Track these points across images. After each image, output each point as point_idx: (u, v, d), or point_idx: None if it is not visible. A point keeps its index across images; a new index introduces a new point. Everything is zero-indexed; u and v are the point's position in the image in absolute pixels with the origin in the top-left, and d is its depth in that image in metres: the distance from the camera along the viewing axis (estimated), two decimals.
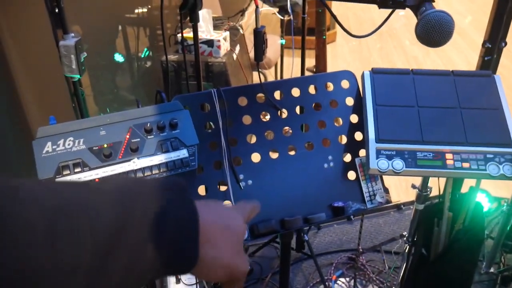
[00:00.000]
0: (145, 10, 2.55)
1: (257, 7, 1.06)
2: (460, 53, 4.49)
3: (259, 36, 1.03)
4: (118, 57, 2.38)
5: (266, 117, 1.17)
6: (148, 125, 0.88)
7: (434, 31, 0.71)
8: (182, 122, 0.91)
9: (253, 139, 1.15)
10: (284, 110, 1.18)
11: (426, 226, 1.52)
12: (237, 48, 2.71)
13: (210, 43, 2.41)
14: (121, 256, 0.37)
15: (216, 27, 2.63)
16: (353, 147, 1.21)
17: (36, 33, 1.57)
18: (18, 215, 0.32)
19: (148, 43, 2.61)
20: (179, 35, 2.45)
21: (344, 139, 1.21)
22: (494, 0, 1.76)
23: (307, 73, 2.54)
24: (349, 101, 1.23)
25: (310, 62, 2.91)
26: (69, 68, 1.44)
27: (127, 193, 0.41)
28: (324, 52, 2.67)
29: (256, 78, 3.64)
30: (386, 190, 1.21)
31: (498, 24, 1.81)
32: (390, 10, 0.85)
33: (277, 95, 1.18)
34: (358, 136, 1.22)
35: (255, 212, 0.59)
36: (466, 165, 1.11)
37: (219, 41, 2.39)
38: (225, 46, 2.47)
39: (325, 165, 1.18)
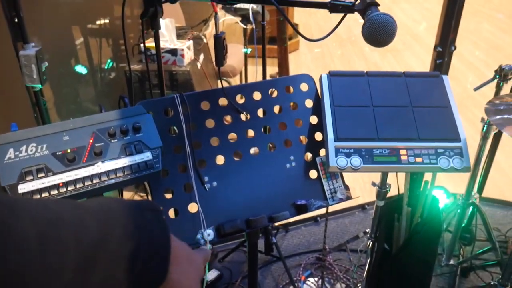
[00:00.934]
0: (107, 20, 2.54)
1: (216, 14, 1.10)
2: (416, 57, 4.68)
3: (219, 42, 1.07)
4: (80, 69, 2.37)
5: (229, 120, 1.20)
6: (112, 129, 0.90)
7: (378, 31, 0.77)
8: (145, 126, 0.93)
9: (217, 142, 1.18)
10: (245, 113, 1.22)
11: (387, 222, 1.59)
12: (201, 57, 2.75)
13: (173, 52, 2.43)
14: (100, 267, 0.41)
15: (179, 36, 2.65)
16: (314, 147, 1.26)
17: None
18: (13, 225, 0.36)
19: (112, 54, 2.60)
20: (142, 44, 2.46)
21: (305, 140, 1.26)
22: (443, 6, 1.87)
23: None
24: (309, 103, 1.29)
25: (274, 70, 2.98)
26: (30, 77, 1.43)
27: (108, 212, 0.46)
28: (286, 59, 2.74)
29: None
30: (346, 187, 1.26)
31: (447, 29, 1.93)
32: (342, 15, 0.91)
33: (239, 99, 1.22)
34: (318, 136, 1.27)
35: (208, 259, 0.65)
36: (419, 159, 1.18)
37: (182, 50, 2.41)
38: (188, 55, 2.50)
39: (288, 165, 1.23)
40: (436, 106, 1.25)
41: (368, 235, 1.66)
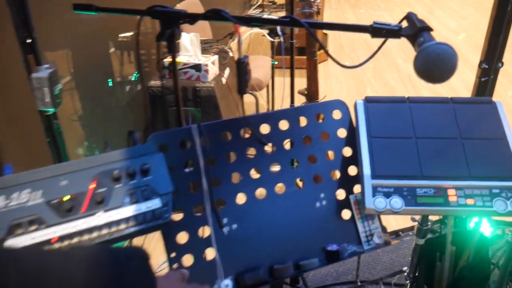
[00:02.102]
0: (130, 34, 2.47)
1: (239, 36, 0.97)
2: (457, 72, 4.43)
3: (242, 67, 0.95)
4: (108, 83, 2.30)
5: (252, 153, 1.08)
6: (116, 172, 0.79)
7: (435, 66, 0.62)
8: (155, 167, 0.82)
9: (238, 179, 1.05)
10: (271, 145, 1.09)
11: (427, 261, 1.42)
12: (227, 71, 2.64)
13: (197, 67, 2.33)
14: None
15: (204, 50, 2.55)
16: (347, 183, 1.11)
17: (7, 64, 1.48)
18: None
19: (134, 69, 2.53)
20: (166, 59, 2.37)
21: (337, 175, 1.12)
22: (490, 19, 1.69)
23: (298, 96, 2.46)
24: (342, 133, 1.15)
25: (302, 82, 2.84)
26: (42, 101, 1.35)
27: (95, 262, 0.48)
28: (316, 73, 2.60)
29: (248, 101, 3.57)
30: (384, 230, 1.11)
31: (494, 44, 1.75)
32: (384, 39, 0.77)
33: (263, 128, 1.09)
34: (352, 170, 1.13)
35: None
36: (470, 201, 1.02)
37: (206, 65, 2.31)
38: (213, 71, 2.39)
39: (317, 204, 1.09)
40: (490, 138, 1.09)
41: (406, 274, 1.50)
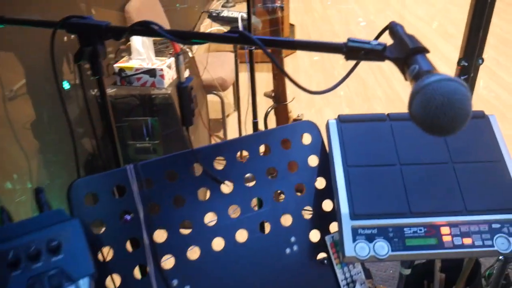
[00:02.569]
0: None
1: (177, 56, 0.77)
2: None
3: (184, 93, 0.75)
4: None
5: (206, 195, 0.88)
6: (12, 255, 0.58)
7: (442, 115, 0.43)
8: (68, 242, 0.61)
9: (189, 228, 0.86)
10: (228, 183, 0.89)
11: None
12: (186, 74, 2.41)
13: (152, 72, 2.10)
14: None
15: (159, 52, 2.32)
16: (321, 221, 0.93)
17: None
18: None
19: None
20: (116, 64, 2.13)
21: (308, 212, 0.93)
22: (469, 14, 1.54)
23: (263, 99, 2.27)
24: (313, 161, 0.96)
25: (269, 79, 2.64)
26: None
27: None
28: (282, 76, 2.40)
29: (213, 101, 3.35)
30: (367, 275, 0.94)
31: (474, 40, 1.60)
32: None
33: (218, 163, 0.90)
34: (327, 205, 0.95)
35: None
36: (467, 241, 0.85)
37: (162, 70, 2.08)
38: (170, 75, 2.16)
39: (287, 250, 0.90)
40: (485, 160, 0.93)
41: None
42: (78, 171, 0.90)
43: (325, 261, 0.92)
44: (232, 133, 3.28)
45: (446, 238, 0.85)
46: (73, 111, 2.12)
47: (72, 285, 0.58)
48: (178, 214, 0.85)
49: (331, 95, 3.73)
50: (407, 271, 1.21)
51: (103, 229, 0.81)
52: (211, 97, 3.10)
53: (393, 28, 0.60)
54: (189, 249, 0.84)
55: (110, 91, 2.12)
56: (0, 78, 1.52)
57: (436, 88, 0.42)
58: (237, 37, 0.62)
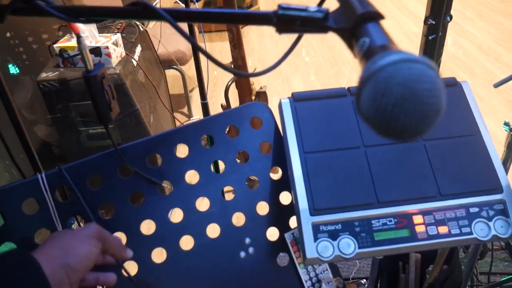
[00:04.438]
0: None
1: (79, 38, 0.62)
2: (394, 23, 4.19)
3: (94, 85, 0.60)
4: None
5: (140, 199, 0.75)
6: None
7: (401, 113, 0.31)
8: None
9: (123, 241, 0.73)
10: (166, 183, 0.76)
11: (389, 274, 1.18)
12: (138, 49, 2.23)
13: (96, 51, 1.91)
14: None
15: (105, 28, 2.12)
16: (279, 217, 0.82)
17: None
18: None
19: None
20: (57, 45, 1.94)
21: (264, 208, 0.81)
22: None
23: (223, 73, 2.11)
24: (266, 148, 0.83)
25: (226, 49, 2.47)
26: None
27: None
28: (240, 40, 2.23)
29: (172, 75, 3.15)
30: (335, 272, 0.84)
31: None
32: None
33: (152, 160, 0.76)
34: (285, 198, 0.83)
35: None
36: (443, 229, 0.75)
37: (107, 47, 1.90)
38: (117, 52, 1.98)
39: (242, 254, 0.79)
40: (459, 135, 0.82)
41: None
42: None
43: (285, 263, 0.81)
44: (196, 108, 3.12)
45: (419, 229, 0.75)
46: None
47: None
48: (106, 225, 0.71)
49: (298, 61, 3.59)
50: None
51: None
52: (170, 72, 2.92)
53: None
54: (124, 264, 0.71)
55: (52, 74, 1.93)
56: None
57: (392, 73, 0.29)
58: (140, 11, 0.48)
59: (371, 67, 0.30)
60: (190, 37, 0.45)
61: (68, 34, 2.05)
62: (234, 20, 0.45)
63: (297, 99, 0.84)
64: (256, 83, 2.36)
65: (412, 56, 0.30)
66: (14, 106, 0.71)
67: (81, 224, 0.72)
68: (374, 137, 0.80)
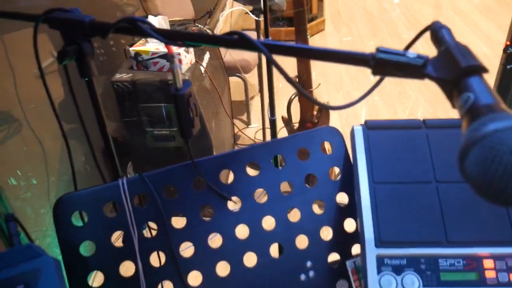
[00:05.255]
0: None
1: (172, 57, 0.66)
2: (471, 44, 4.02)
3: (181, 103, 0.64)
4: None
5: (210, 213, 0.78)
6: None
7: (510, 178, 0.31)
8: (36, 285, 0.52)
9: (191, 251, 0.76)
10: (235, 199, 0.79)
11: None
12: (206, 56, 2.29)
13: (168, 57, 1.98)
14: None
15: None
16: (342, 243, 0.82)
17: None
18: None
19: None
20: (132, 48, 2.04)
21: (328, 233, 0.82)
22: None
23: (287, 85, 2.12)
24: (334, 174, 0.84)
25: (294, 62, 2.50)
26: None
27: None
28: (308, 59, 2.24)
29: (236, 82, 3.23)
30: None
31: None
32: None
33: (224, 176, 0.79)
34: (350, 225, 0.83)
35: None
36: None
37: (179, 54, 1.97)
38: (188, 59, 2.05)
39: (302, 277, 0.79)
40: None
41: None
42: (75, 182, 0.80)
43: None
44: (256, 116, 3.16)
45: (489, 274, 0.72)
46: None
47: None
48: (178, 235, 0.75)
49: (361, 77, 3.55)
50: None
51: (93, 251, 0.72)
52: (233, 79, 2.98)
53: (436, 32, 0.47)
54: (190, 274, 0.75)
55: (126, 76, 2.03)
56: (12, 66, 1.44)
57: (504, 140, 0.29)
58: (235, 40, 0.50)
59: (479, 129, 0.31)
60: (284, 71, 0.47)
61: (143, 39, 2.15)
62: (330, 58, 0.46)
63: (370, 127, 0.84)
64: (318, 97, 2.37)
65: None
66: (102, 112, 0.76)
67: (152, 232, 0.75)
68: (447, 173, 0.78)
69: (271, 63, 0.47)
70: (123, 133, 2.30)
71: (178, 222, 0.75)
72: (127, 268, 0.73)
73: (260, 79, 3.03)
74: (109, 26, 0.63)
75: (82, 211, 0.71)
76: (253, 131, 3.08)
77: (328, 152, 0.84)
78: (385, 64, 0.43)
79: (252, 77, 3.33)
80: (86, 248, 0.71)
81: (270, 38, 1.63)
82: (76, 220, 0.71)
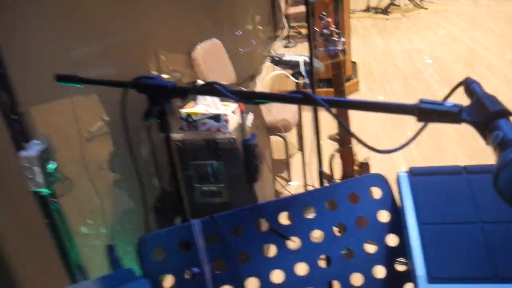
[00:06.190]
0: None
1: (243, 113, 0.78)
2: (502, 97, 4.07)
3: (249, 151, 0.75)
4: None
5: (272, 251, 0.86)
6: None
7: None
8: None
9: (256, 286, 0.84)
10: (294, 239, 0.87)
11: None
12: (250, 117, 2.45)
13: (216, 118, 2.15)
14: None
15: (224, 98, 2.38)
16: (395, 281, 0.88)
17: None
18: None
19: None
20: (183, 110, 2.22)
21: (380, 271, 0.88)
22: None
23: (328, 142, 2.23)
24: (383, 216, 0.92)
25: (333, 121, 2.62)
26: (33, 181, 1.18)
27: None
28: (346, 115, 2.37)
29: (276, 141, 3.37)
30: None
31: None
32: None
33: (284, 218, 0.88)
34: (401, 265, 0.89)
35: None
36: None
37: (226, 115, 2.13)
38: (234, 120, 2.21)
39: None
40: None
41: None
42: (147, 225, 0.91)
43: None
44: (296, 174, 3.26)
45: None
46: (147, 158, 2.23)
47: None
48: (244, 271, 0.83)
49: (399, 134, 3.62)
50: None
51: (172, 283, 0.81)
52: (274, 138, 3.12)
53: (469, 86, 0.57)
54: None
55: (177, 135, 2.20)
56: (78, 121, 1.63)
57: None
58: (300, 98, 0.62)
59: (508, 155, 0.40)
60: (342, 122, 0.58)
61: (191, 102, 2.34)
62: (380, 109, 0.57)
63: (414, 173, 0.92)
64: (358, 153, 2.45)
65: None
66: (177, 171, 0.88)
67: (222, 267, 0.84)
68: (491, 214, 0.85)
69: (332, 116, 0.57)
70: (172, 187, 2.44)
71: (244, 258, 0.84)
72: None
73: (300, 138, 3.16)
74: (188, 89, 0.76)
75: (161, 248, 0.81)
76: (293, 188, 3.16)
77: (376, 197, 0.92)
78: (427, 113, 0.53)
79: (290, 136, 3.47)
80: (166, 279, 0.81)
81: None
82: (157, 256, 0.81)
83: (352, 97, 4.50)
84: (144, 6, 2.30)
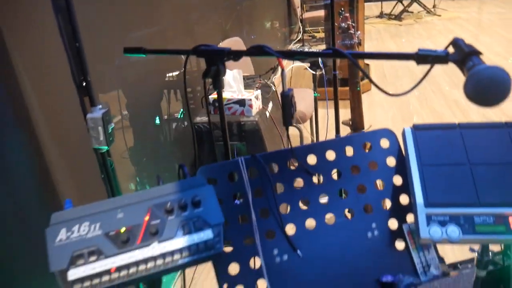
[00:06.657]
0: (176, 73, 2.58)
1: (282, 70, 1.00)
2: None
3: (287, 100, 0.96)
4: (156, 121, 2.40)
5: (300, 184, 1.08)
6: (169, 205, 0.81)
7: (487, 90, 0.61)
8: (205, 199, 0.83)
9: (287, 209, 1.05)
10: (318, 176, 1.09)
11: None
12: (270, 105, 2.68)
13: (241, 102, 2.38)
14: None
15: (247, 86, 2.61)
16: (399, 212, 1.09)
17: (64, 106, 1.58)
18: None
19: (181, 106, 2.62)
20: (211, 96, 2.45)
21: (387, 204, 1.09)
22: None
23: (342, 127, 2.45)
24: (391, 162, 1.12)
25: (346, 114, 2.84)
26: (96, 140, 1.41)
27: None
28: (360, 104, 2.58)
29: (291, 133, 3.58)
30: (441, 260, 1.07)
31: None
32: (430, 66, 0.76)
33: (310, 159, 1.09)
34: (404, 199, 1.10)
35: None
36: None
37: (250, 100, 2.36)
38: (257, 105, 2.43)
39: (369, 234, 1.06)
40: None
41: None
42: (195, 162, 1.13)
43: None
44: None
45: None
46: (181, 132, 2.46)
47: (208, 229, 0.80)
48: (278, 198, 1.05)
49: (406, 124, 3.81)
50: (483, 273, 1.29)
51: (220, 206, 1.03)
52: (290, 129, 3.33)
53: (455, 42, 0.78)
54: (286, 226, 1.03)
55: (205, 118, 2.43)
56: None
57: (483, 72, 0.59)
58: (331, 53, 0.83)
59: (473, 70, 0.61)
60: (361, 68, 0.79)
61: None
62: (387, 57, 0.78)
63: (417, 128, 1.13)
64: None
65: (494, 66, 0.60)
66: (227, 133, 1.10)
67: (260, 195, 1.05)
68: (478, 158, 1.05)
69: (355, 66, 0.79)
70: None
71: (279, 188, 1.06)
72: (244, 217, 1.03)
73: (316, 130, 3.37)
74: (241, 52, 0.98)
75: (213, 177, 1.03)
76: None
77: (385, 147, 1.13)
78: (424, 57, 0.75)
79: (305, 130, 3.68)
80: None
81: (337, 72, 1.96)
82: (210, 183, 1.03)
83: (365, 96, 4.70)
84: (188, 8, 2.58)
